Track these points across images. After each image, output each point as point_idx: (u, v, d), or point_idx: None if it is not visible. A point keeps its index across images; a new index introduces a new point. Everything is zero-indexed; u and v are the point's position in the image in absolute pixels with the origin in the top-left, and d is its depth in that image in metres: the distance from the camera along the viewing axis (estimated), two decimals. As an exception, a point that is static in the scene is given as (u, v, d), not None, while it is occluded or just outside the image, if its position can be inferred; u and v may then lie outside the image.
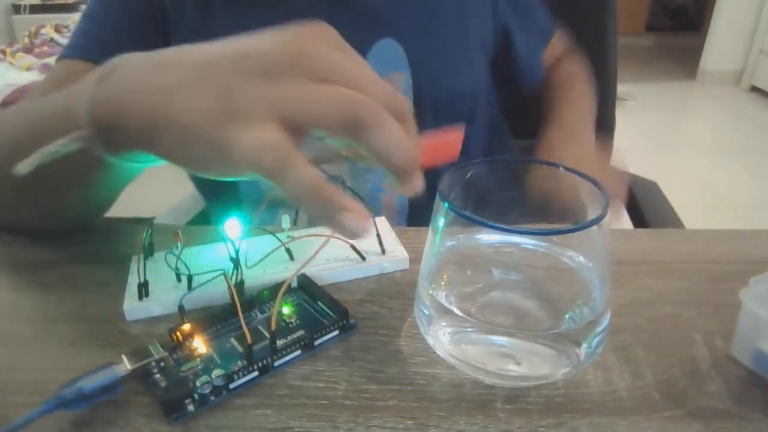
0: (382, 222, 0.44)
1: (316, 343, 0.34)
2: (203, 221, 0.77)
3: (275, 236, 0.42)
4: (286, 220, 0.42)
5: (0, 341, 0.35)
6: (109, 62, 0.33)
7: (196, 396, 0.29)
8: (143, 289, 0.36)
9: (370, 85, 0.29)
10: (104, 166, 0.35)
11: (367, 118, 0.27)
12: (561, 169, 0.33)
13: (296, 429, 0.29)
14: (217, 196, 0.65)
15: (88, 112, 0.32)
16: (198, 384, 0.30)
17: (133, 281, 0.38)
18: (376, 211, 0.60)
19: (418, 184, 0.28)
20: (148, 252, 0.40)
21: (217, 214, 0.68)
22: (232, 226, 0.37)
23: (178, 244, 0.37)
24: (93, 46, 0.54)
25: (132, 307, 0.36)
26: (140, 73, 0.32)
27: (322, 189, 0.27)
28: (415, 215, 0.63)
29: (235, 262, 0.36)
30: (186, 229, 0.41)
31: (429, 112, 0.59)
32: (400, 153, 0.27)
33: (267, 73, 0.28)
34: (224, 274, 0.36)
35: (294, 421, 0.29)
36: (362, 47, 0.56)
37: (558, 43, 0.73)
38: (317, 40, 0.30)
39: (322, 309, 0.36)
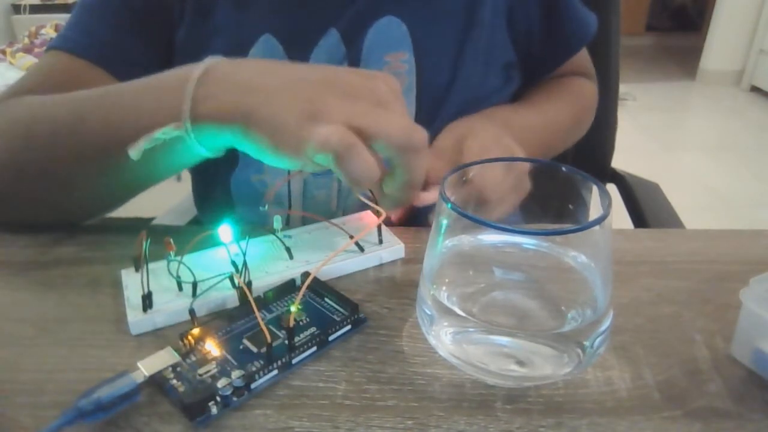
0: (370, 215, 0.44)
1: (331, 338, 0.34)
2: (203, 221, 0.77)
3: (276, 235, 0.42)
4: (278, 221, 0.42)
5: (0, 341, 0.35)
6: (202, 63, 0.39)
7: (218, 398, 0.29)
8: (147, 301, 0.35)
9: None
10: (182, 148, 0.40)
11: (420, 144, 0.37)
12: (563, 169, 0.33)
13: (296, 429, 0.29)
14: (210, 197, 0.65)
15: (191, 108, 0.38)
16: (219, 386, 0.30)
17: (130, 295, 0.37)
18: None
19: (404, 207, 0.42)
20: (144, 261, 0.39)
21: (209, 217, 0.68)
22: (225, 231, 0.37)
23: (171, 253, 0.37)
24: (93, 45, 0.53)
25: (137, 320, 0.35)
26: (238, 76, 0.39)
27: (377, 175, 0.36)
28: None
29: (243, 263, 0.36)
30: (182, 231, 0.41)
31: (429, 100, 0.56)
32: (421, 178, 0.39)
33: (346, 95, 0.37)
34: (232, 277, 0.36)
35: (294, 421, 0.29)
36: (364, 24, 0.54)
37: (580, 58, 0.68)
38: (385, 81, 0.39)
39: (330, 305, 0.36)
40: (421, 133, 0.37)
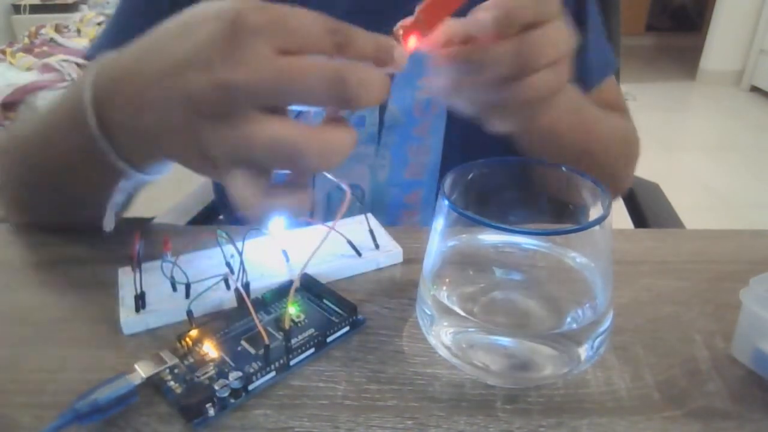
0: (372, 218, 0.44)
1: (329, 340, 0.34)
2: (203, 221, 0.77)
3: (273, 237, 0.42)
4: (278, 222, 0.42)
5: (0, 341, 0.35)
6: (87, 99, 0.33)
7: (215, 400, 0.29)
8: (140, 301, 0.35)
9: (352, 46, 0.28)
10: (119, 175, 0.36)
11: (351, 90, 0.27)
12: (563, 169, 0.33)
13: (296, 429, 0.29)
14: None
15: (95, 124, 0.33)
16: (216, 388, 0.30)
17: (125, 294, 0.37)
18: (396, 222, 0.59)
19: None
20: (137, 262, 0.39)
21: (228, 209, 0.68)
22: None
23: (167, 253, 0.37)
24: None
25: (129, 320, 0.35)
26: (122, 116, 0.32)
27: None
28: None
29: (240, 264, 0.36)
30: (182, 231, 0.41)
31: (462, 126, 0.54)
32: (380, 96, 0.28)
33: (210, 115, 0.28)
34: (228, 278, 0.36)
35: (294, 421, 0.29)
36: None
37: (611, 92, 0.63)
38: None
39: (328, 306, 0.36)
40: (291, 135, 0.27)
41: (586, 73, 0.61)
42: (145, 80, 0.30)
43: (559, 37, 0.33)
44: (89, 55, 0.56)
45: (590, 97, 0.59)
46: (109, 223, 0.40)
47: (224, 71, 0.26)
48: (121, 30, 0.55)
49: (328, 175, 0.36)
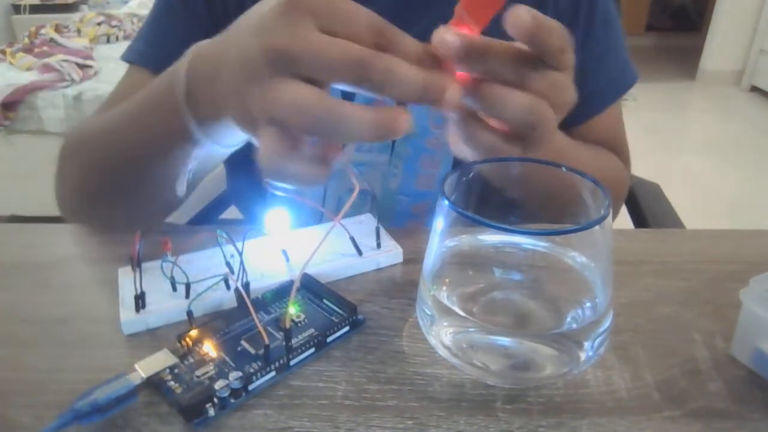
0: (373, 219, 0.44)
1: (329, 340, 0.34)
2: (203, 221, 0.78)
3: (273, 237, 0.42)
4: (279, 222, 0.42)
5: (0, 341, 0.35)
6: (182, 76, 0.37)
7: (216, 400, 0.29)
8: (140, 301, 0.35)
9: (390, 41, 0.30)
10: (194, 146, 0.39)
11: (375, 75, 0.28)
12: (563, 169, 0.33)
13: (296, 429, 0.29)
14: (245, 191, 0.65)
15: (182, 93, 0.37)
16: (216, 388, 0.30)
17: (125, 294, 0.37)
18: (403, 224, 0.59)
19: (451, 95, 0.29)
20: (137, 262, 0.39)
21: (244, 206, 0.70)
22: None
23: (167, 253, 0.37)
24: (167, 59, 0.48)
25: (129, 320, 0.35)
26: (208, 82, 0.36)
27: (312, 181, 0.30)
28: None
29: (240, 264, 0.36)
30: (182, 230, 0.41)
31: None
32: (413, 87, 0.28)
33: (253, 76, 0.31)
34: (228, 278, 0.36)
35: (294, 421, 0.29)
36: None
37: (611, 123, 0.62)
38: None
39: (328, 306, 0.36)
40: (377, 62, 0.28)
41: (587, 100, 0.56)
42: (222, 54, 0.35)
43: (568, 86, 0.33)
44: (125, 58, 0.56)
45: (587, 127, 0.59)
46: (182, 188, 0.42)
47: (270, 37, 0.30)
48: (157, 32, 0.56)
49: (348, 161, 0.37)
